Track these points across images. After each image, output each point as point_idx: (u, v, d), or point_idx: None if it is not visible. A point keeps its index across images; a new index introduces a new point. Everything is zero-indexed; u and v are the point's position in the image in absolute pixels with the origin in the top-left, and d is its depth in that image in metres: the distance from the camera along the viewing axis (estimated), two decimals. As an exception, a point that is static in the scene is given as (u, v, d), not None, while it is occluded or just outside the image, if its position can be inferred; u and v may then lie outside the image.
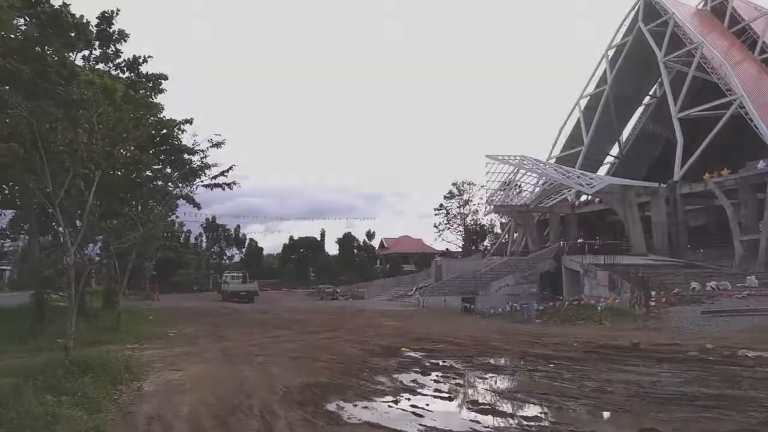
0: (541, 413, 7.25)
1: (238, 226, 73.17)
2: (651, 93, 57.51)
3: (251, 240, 74.82)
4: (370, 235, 76.97)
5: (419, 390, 8.75)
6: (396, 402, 7.92)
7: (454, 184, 66.92)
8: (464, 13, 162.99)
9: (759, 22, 48.09)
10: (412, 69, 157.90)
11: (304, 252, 72.08)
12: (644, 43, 49.69)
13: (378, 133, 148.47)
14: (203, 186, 20.93)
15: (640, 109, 58.34)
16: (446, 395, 8.51)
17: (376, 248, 78.51)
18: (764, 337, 14.15)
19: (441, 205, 68.66)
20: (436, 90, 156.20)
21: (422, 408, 7.53)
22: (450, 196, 67.31)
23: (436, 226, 69.80)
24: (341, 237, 71.98)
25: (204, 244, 72.67)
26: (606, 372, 10.07)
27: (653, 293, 22.30)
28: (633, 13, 52.22)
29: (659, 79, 51.20)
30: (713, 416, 6.79)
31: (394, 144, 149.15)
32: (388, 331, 17.78)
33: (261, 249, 76.87)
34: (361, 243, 75.07)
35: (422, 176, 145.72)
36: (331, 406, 7.50)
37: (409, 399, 8.09)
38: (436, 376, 10.03)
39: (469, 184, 65.24)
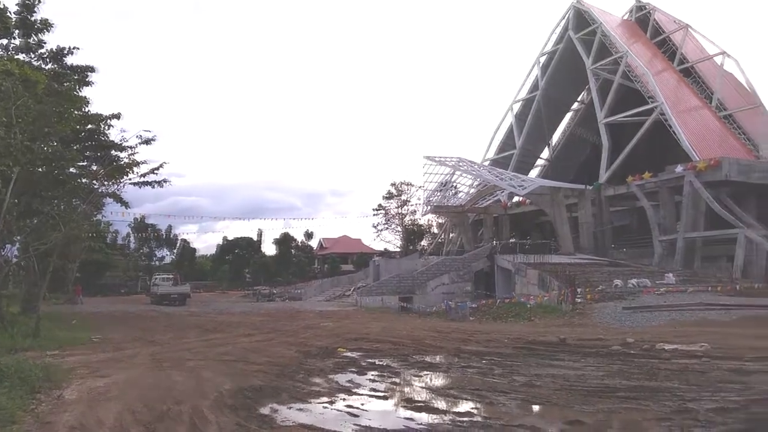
0: (473, 408, 7.42)
1: (170, 226, 70.65)
2: (580, 99, 60.03)
3: (183, 240, 72.47)
4: (309, 235, 76.43)
5: (355, 390, 8.75)
6: (331, 403, 7.89)
7: (392, 185, 67.50)
8: (406, 13, 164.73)
9: (678, 34, 51.31)
10: (351, 69, 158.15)
11: (239, 253, 70.53)
12: (574, 51, 51.77)
13: (318, 132, 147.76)
14: (132, 184, 20.16)
15: (569, 114, 60.78)
16: (382, 394, 8.55)
17: (315, 248, 77.94)
18: (680, 331, 15.12)
19: (380, 205, 69.07)
20: (376, 90, 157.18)
21: (357, 408, 7.53)
22: (389, 196, 67.79)
23: (374, 227, 70.14)
24: (279, 237, 71.01)
25: (132, 245, 69.73)
26: (535, 367, 10.44)
27: (579, 290, 23.23)
28: (564, 21, 54.28)
29: (587, 86, 53.50)
30: (633, 407, 7.16)
31: (333, 144, 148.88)
32: (325, 332, 17.69)
33: (194, 250, 74.81)
34: (299, 243, 74.30)
35: (362, 176, 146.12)
36: (265, 410, 7.37)
37: (344, 399, 8.08)
38: (373, 375, 10.07)
39: (408, 184, 65.94)
